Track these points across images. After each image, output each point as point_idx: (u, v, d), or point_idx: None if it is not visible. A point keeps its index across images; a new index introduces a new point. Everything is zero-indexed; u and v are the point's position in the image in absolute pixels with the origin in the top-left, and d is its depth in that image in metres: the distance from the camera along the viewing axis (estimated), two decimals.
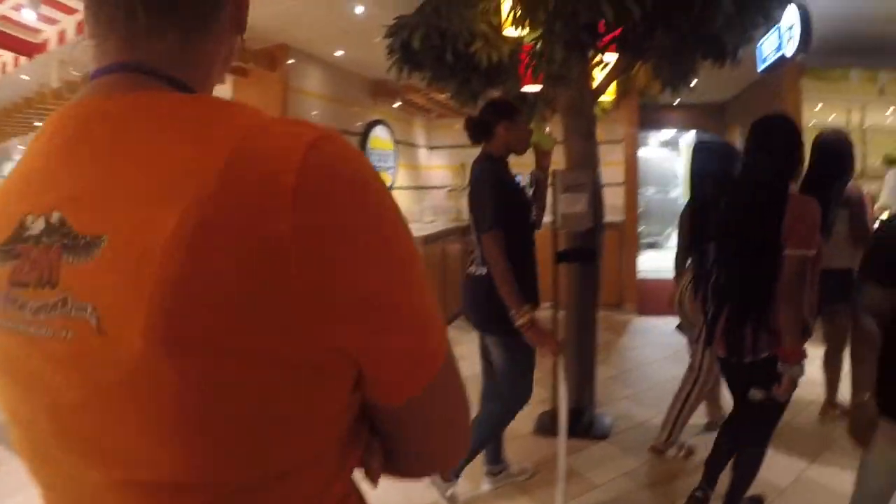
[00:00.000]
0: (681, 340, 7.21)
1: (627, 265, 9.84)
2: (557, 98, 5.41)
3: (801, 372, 3.04)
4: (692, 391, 4.61)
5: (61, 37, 6.89)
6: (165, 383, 0.67)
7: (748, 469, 3.53)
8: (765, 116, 3.33)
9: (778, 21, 5.56)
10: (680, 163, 15.39)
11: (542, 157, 4.30)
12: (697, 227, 4.47)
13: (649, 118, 11.80)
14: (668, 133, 14.74)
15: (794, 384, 3.08)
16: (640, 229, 11.25)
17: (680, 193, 15.51)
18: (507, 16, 4.51)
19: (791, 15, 6.47)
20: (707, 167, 4.56)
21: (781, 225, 3.00)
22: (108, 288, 0.67)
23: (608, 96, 6.01)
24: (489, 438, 4.13)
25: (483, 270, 3.78)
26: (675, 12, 4.24)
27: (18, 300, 0.75)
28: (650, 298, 9.97)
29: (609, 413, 5.47)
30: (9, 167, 16.21)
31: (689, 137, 13.55)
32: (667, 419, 4.70)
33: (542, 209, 4.33)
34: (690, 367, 4.67)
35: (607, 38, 4.55)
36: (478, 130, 3.94)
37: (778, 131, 3.22)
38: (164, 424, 0.69)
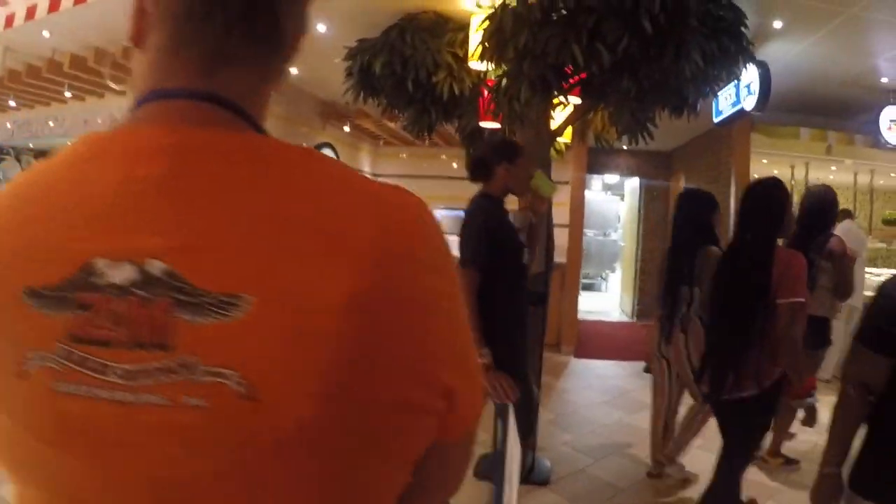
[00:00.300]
0: (620, 384, 7.14)
1: (568, 307, 9.75)
2: (514, 137, 5.34)
3: (813, 402, 3.54)
4: (698, 415, 4.73)
5: (9, 20, 6.64)
6: (328, 445, 0.66)
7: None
8: (759, 180, 3.62)
9: (739, 77, 5.59)
10: (622, 207, 15.52)
11: (538, 202, 4.26)
12: (673, 270, 4.65)
13: (595, 161, 11.87)
14: (611, 177, 14.82)
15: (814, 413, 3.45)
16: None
17: (619, 236, 15.65)
18: (476, 49, 4.43)
19: (751, 72, 6.52)
20: (692, 214, 4.69)
21: (770, 278, 3.26)
22: (261, 352, 0.63)
23: (564, 139, 5.96)
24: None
25: None
26: (643, 61, 4.21)
27: (90, 361, 0.64)
28: (587, 340, 9.93)
29: (548, 458, 5.31)
30: None
31: (633, 183, 13.65)
32: (678, 436, 4.85)
33: (532, 253, 4.27)
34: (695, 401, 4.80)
35: (573, 80, 4.50)
36: (478, 169, 3.89)
37: (770, 194, 3.46)
38: (313, 486, 0.67)
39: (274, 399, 0.62)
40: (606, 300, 15.36)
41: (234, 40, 0.75)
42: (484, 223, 3.66)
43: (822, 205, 4.87)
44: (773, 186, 3.51)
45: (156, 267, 0.64)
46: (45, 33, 7.41)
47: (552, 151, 5.53)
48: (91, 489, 0.68)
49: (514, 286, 3.79)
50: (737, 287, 3.48)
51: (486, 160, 3.87)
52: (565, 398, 7.41)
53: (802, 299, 3.29)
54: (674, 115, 5.23)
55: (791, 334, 3.27)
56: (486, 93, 5.10)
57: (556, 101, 4.89)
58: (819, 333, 4.72)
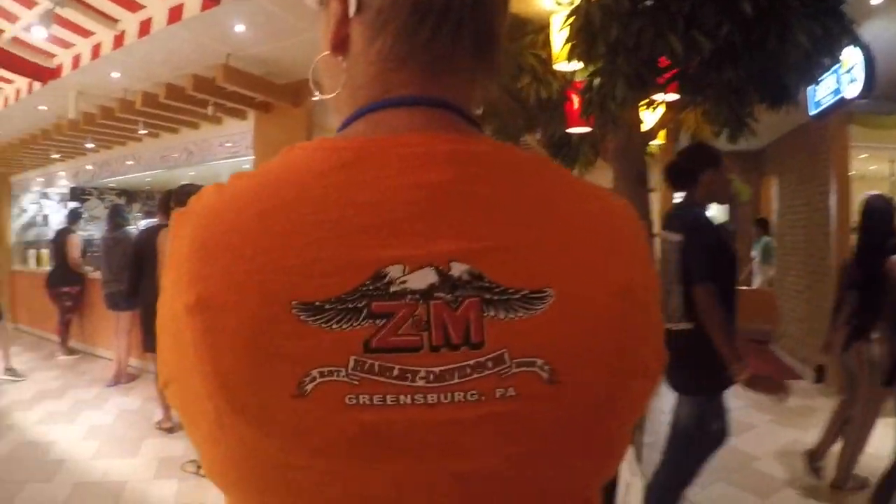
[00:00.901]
0: None
1: None
2: (606, 141, 5.03)
3: None
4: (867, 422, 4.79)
5: (76, 61, 6.74)
6: (610, 414, 0.73)
7: None
8: None
9: (840, 61, 5.21)
10: (709, 213, 14.86)
11: (739, 208, 4.18)
12: (855, 278, 4.79)
13: None
14: None
15: None
16: None
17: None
18: (562, 48, 4.15)
19: (853, 55, 6.06)
20: (880, 222, 4.79)
21: None
22: (563, 338, 0.69)
23: (658, 141, 5.62)
24: None
25: (685, 325, 3.51)
26: (745, 48, 3.90)
27: (393, 369, 0.66)
28: None
29: None
30: (28, 199, 16.32)
31: None
32: (847, 457, 4.88)
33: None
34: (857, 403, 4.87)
35: (668, 74, 4.19)
36: (681, 178, 3.75)
37: None
38: (595, 454, 0.75)
39: (574, 380, 0.69)
40: None
41: (460, 50, 0.79)
42: (712, 235, 3.56)
43: None
44: None
45: (460, 269, 0.67)
46: (115, 74, 7.57)
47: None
48: (385, 497, 0.68)
49: (733, 297, 3.61)
50: None
51: (690, 167, 3.70)
52: (662, 419, 6.92)
53: None
54: (773, 107, 4.88)
55: None
56: (573, 96, 4.82)
57: (647, 100, 4.61)
58: None
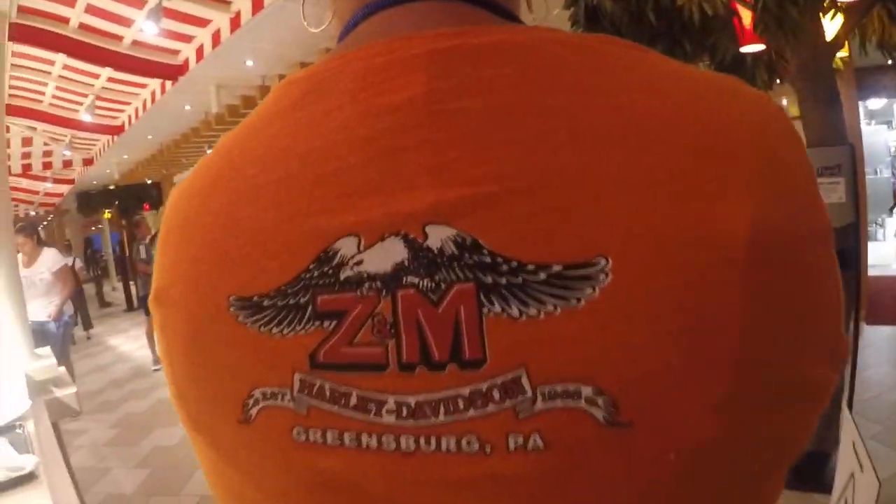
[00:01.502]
0: None
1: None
2: (785, 58, 4.49)
3: None
4: None
5: (199, 53, 6.88)
6: (729, 473, 0.42)
7: None
8: None
9: None
10: (894, 137, 13.44)
11: None
12: None
13: (858, 84, 10.13)
14: (875, 102, 12.96)
15: None
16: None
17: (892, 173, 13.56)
18: None
19: None
20: None
21: None
22: (630, 344, 0.39)
23: (842, 53, 5.00)
24: None
25: None
26: None
27: (350, 395, 0.44)
28: (879, 302, 8.26)
29: None
30: None
31: None
32: None
33: None
34: None
35: None
36: None
37: None
38: None
39: (656, 419, 0.39)
40: (886, 250, 12.73)
41: None
42: None
43: None
44: None
45: (441, 236, 0.42)
46: (249, 62, 7.81)
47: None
48: None
49: None
50: None
51: None
52: (865, 377, 6.05)
53: None
54: None
55: None
56: (741, 10, 4.31)
57: (827, 2, 4.09)
58: None
